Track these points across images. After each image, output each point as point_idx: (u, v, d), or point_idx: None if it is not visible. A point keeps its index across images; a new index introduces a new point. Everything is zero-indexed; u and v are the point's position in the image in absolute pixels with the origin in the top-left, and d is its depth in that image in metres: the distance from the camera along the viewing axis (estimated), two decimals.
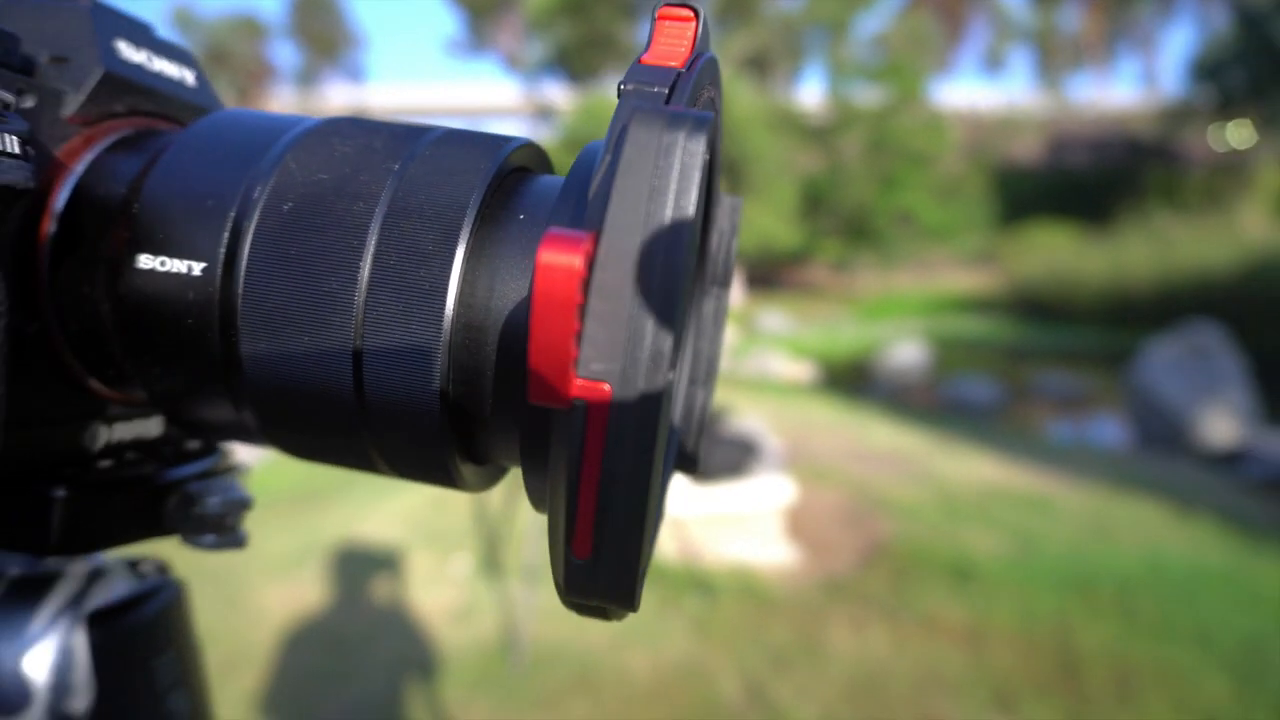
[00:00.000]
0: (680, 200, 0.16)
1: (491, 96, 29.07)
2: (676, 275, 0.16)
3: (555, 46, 21.80)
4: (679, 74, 0.20)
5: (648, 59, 0.20)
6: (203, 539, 0.31)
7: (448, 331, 0.22)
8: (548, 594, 2.60)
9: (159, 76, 0.30)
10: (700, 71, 0.20)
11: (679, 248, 0.16)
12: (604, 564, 0.17)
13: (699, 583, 2.74)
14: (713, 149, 0.22)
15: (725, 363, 9.38)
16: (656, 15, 0.21)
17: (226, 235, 0.24)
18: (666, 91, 0.20)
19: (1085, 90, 32.83)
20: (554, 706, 2.11)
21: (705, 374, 0.30)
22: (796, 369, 8.87)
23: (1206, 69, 20.57)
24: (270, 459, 3.68)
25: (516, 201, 0.24)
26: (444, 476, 0.25)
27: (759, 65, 21.43)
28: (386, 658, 2.34)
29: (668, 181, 0.16)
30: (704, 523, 2.96)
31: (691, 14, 0.21)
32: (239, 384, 0.24)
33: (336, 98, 29.44)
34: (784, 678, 2.24)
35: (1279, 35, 18.05)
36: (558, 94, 23.19)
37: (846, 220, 18.48)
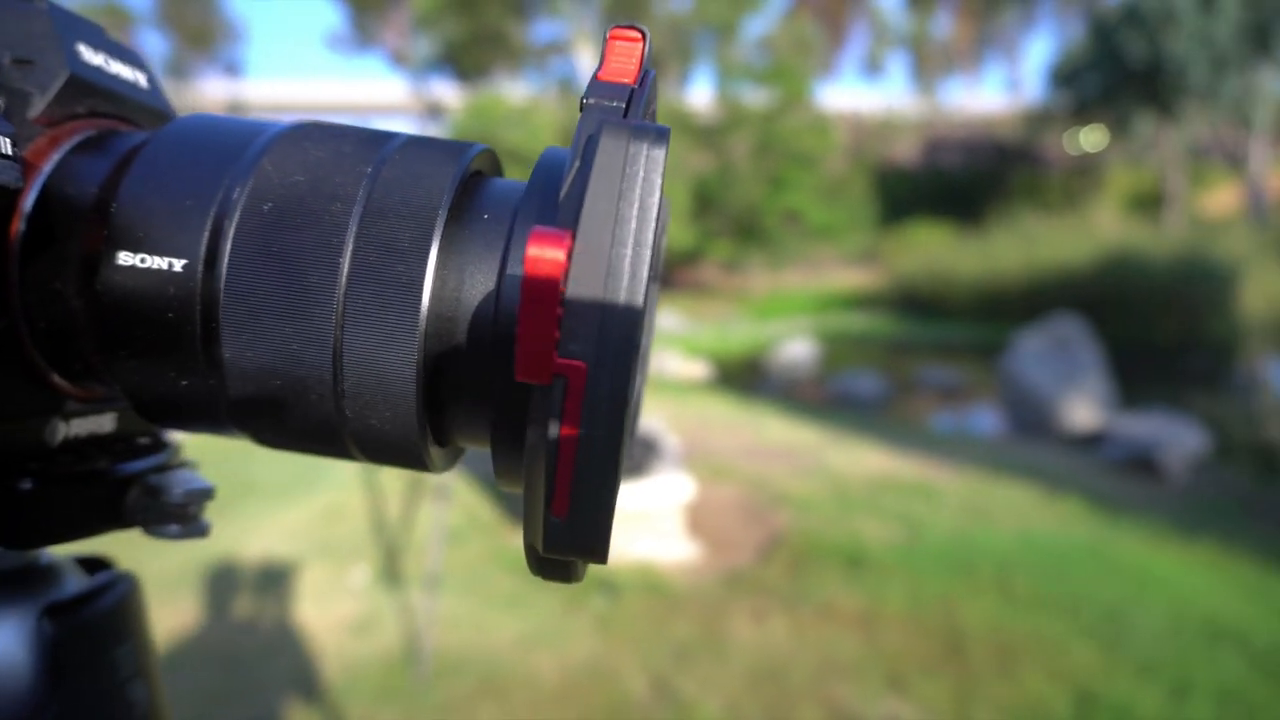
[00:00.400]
0: (645, 201, 0.18)
1: (378, 94, 28.26)
2: (642, 268, 0.18)
3: (443, 44, 21.40)
4: (633, 90, 0.22)
5: (604, 76, 0.23)
6: (166, 530, 0.31)
7: (423, 322, 0.24)
8: (450, 602, 2.57)
9: (116, 79, 0.31)
10: (649, 87, 0.23)
11: (644, 244, 0.18)
12: (579, 521, 0.19)
13: (603, 582, 2.76)
14: None
15: None
16: (609, 36, 0.23)
17: (207, 234, 0.25)
18: (624, 105, 0.22)
19: (957, 95, 34.55)
20: (460, 714, 2.09)
21: (640, 363, 0.33)
22: (692, 367, 9.01)
23: (1063, 76, 21.94)
24: None
25: (479, 203, 0.26)
26: (415, 460, 0.26)
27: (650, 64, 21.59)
28: (283, 674, 2.27)
29: (634, 185, 0.18)
30: None
31: (640, 35, 0.23)
32: (218, 374, 0.25)
33: (213, 91, 28.01)
34: (688, 671, 2.29)
35: (1127, 45, 19.43)
36: (446, 92, 22.78)
37: (736, 220, 18.85)
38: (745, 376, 9.70)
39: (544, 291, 0.18)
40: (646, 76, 0.23)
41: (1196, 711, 2.10)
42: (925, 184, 24.74)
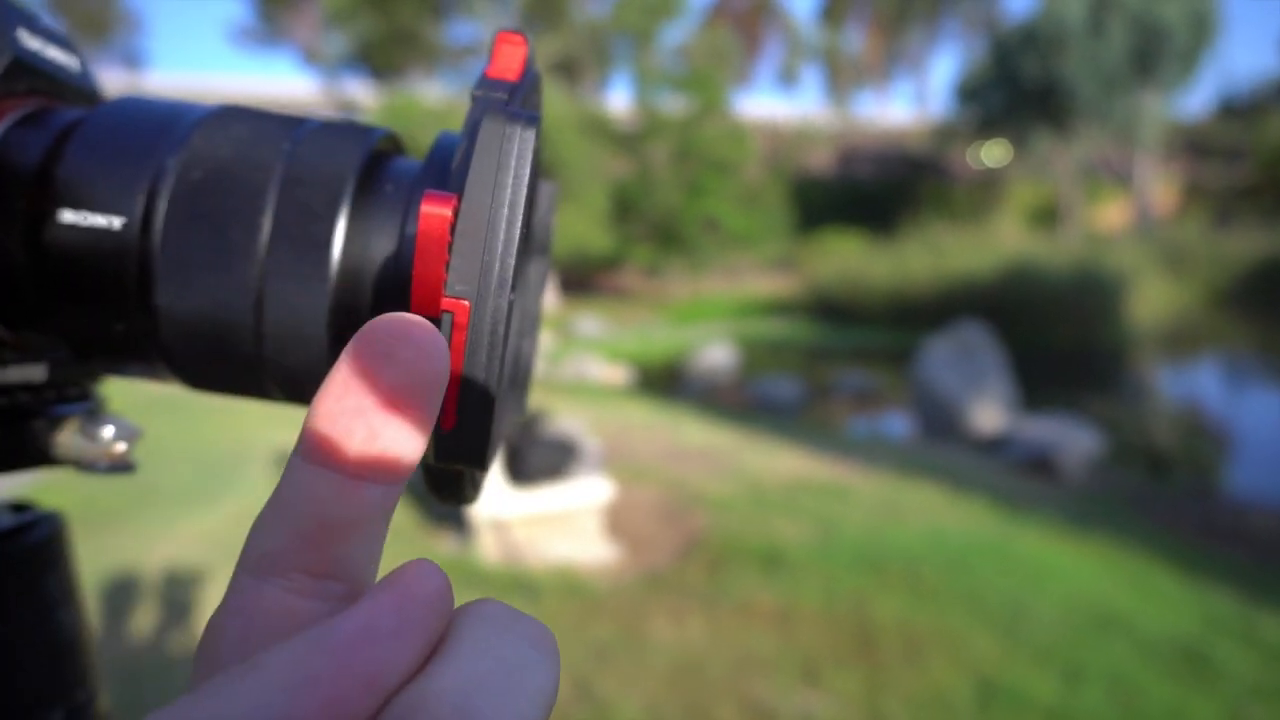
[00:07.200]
0: (518, 174, 0.22)
1: (287, 90, 27.47)
2: (515, 224, 0.22)
3: (357, 41, 20.96)
4: (515, 85, 0.26)
5: (491, 73, 0.26)
6: (96, 465, 0.33)
7: (333, 275, 0.27)
8: None
9: (52, 62, 0.33)
10: (530, 83, 0.27)
11: (517, 206, 0.22)
12: (464, 432, 0.23)
13: (522, 584, 2.76)
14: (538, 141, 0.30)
15: (543, 367, 9.39)
16: (496, 39, 0.27)
17: (144, 196, 0.28)
18: (506, 96, 0.25)
19: (868, 108, 35.62)
20: None
21: (530, 327, 0.36)
22: (612, 372, 9.05)
23: (967, 93, 22.86)
24: (48, 480, 3.32)
25: (384, 175, 0.29)
26: None
27: (568, 70, 21.61)
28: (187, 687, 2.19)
29: (509, 160, 0.22)
30: (526, 524, 2.98)
31: (523, 40, 0.27)
32: (152, 319, 0.28)
33: (111, 83, 26.73)
34: (608, 671, 2.30)
35: (1025, 65, 20.37)
36: (360, 90, 22.29)
37: (656, 226, 18.99)
38: (666, 381, 9.79)
39: (434, 241, 0.22)
40: (528, 74, 0.27)
41: (1088, 696, 2.23)
42: (839, 193, 25.40)
